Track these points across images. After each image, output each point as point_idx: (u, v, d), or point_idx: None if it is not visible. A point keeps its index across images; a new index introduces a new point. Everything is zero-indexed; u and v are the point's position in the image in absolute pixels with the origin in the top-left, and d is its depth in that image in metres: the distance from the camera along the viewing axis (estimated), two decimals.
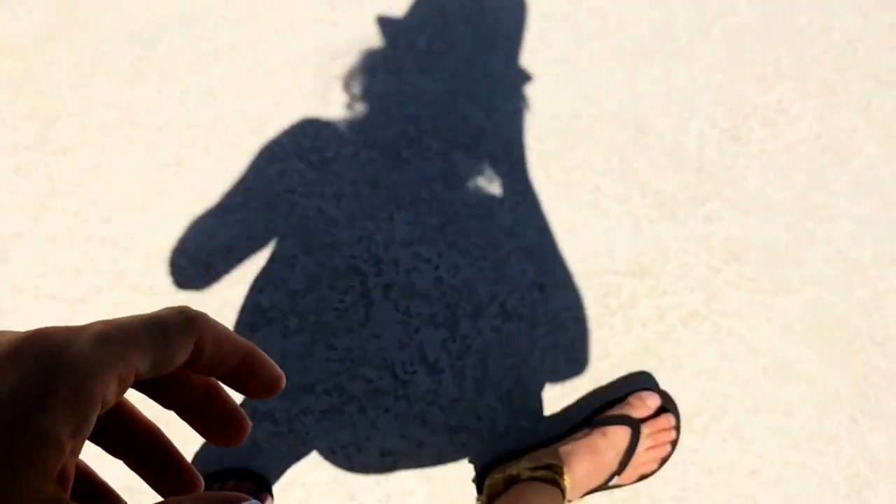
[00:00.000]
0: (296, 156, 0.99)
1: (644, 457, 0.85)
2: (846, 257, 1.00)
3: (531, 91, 1.04)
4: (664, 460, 0.87)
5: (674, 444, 0.87)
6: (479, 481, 0.87)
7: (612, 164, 1.01)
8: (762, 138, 1.04)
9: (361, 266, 0.96)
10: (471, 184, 0.99)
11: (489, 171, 1.00)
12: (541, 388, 0.92)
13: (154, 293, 0.94)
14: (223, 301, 0.94)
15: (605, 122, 1.03)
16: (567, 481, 0.74)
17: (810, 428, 0.94)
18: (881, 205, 1.03)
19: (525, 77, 1.04)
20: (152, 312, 0.20)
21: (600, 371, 0.94)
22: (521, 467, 0.76)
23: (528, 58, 1.05)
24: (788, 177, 1.02)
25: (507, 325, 0.95)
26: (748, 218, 1.00)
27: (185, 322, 0.19)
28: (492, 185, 0.99)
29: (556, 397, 0.92)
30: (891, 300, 0.99)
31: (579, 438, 0.82)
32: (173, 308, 0.20)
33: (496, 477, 0.78)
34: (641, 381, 0.94)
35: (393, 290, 0.95)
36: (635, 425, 0.84)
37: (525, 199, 0.99)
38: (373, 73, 1.04)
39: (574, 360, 0.94)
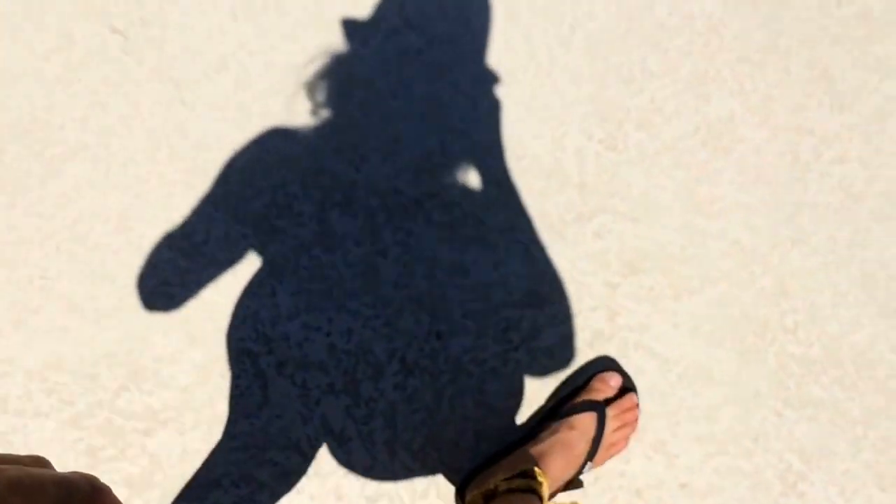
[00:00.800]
0: (165, 246, 0.95)
1: (613, 437, 0.86)
2: (743, 248, 0.98)
3: (396, 134, 1.02)
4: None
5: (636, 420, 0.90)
6: (460, 493, 0.86)
7: (491, 195, 0.99)
8: (640, 142, 1.02)
9: (251, 347, 0.92)
10: (350, 242, 0.96)
11: (367, 226, 0.97)
12: (454, 438, 0.89)
13: (39, 415, 0.90)
14: (113, 410, 0.90)
15: (470, 153, 1.00)
16: (543, 484, 0.73)
17: (735, 429, 0.91)
18: (770, 189, 1.01)
19: (387, 120, 1.02)
20: (64, 473, 0.22)
21: (511, 408, 0.91)
22: (497, 480, 0.76)
23: (388, 100, 1.03)
24: (672, 177, 1.00)
25: (409, 380, 0.92)
26: (638, 226, 0.98)
27: (92, 491, 0.22)
28: (371, 240, 0.96)
29: (471, 444, 0.89)
30: (795, 284, 0.97)
31: (549, 435, 0.83)
32: (84, 475, 0.23)
33: (475, 493, 0.79)
34: (603, 364, 0.92)
35: (287, 366, 0.92)
36: (600, 409, 0.85)
37: (408, 248, 0.96)
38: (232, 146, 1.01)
39: (483, 402, 0.91)
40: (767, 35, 1.04)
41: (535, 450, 0.81)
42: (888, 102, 1.04)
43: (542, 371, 0.93)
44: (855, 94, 1.04)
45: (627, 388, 0.91)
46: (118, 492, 0.88)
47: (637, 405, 0.90)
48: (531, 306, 0.94)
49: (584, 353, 0.93)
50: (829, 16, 1.04)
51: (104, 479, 0.89)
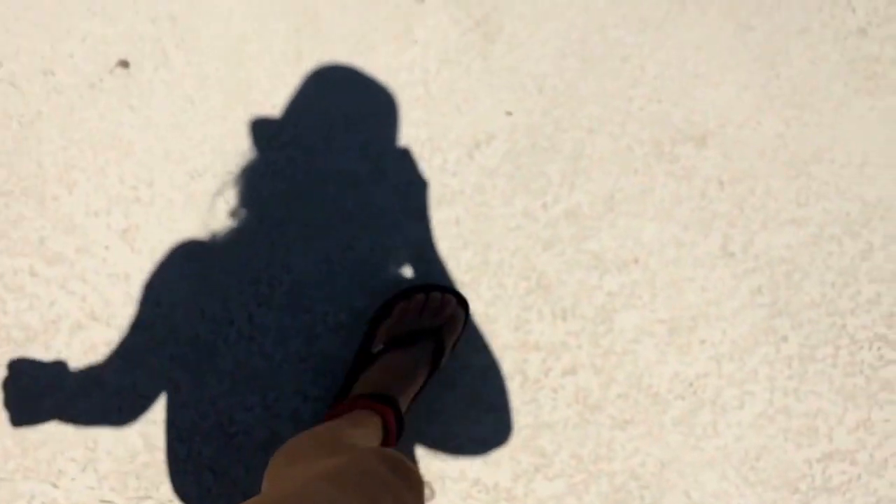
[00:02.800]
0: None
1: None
2: (486, 487, 0.92)
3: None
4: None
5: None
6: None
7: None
8: None
9: None
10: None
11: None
12: None
13: None
14: None
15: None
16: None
17: None
18: (499, 416, 0.96)
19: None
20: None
21: None
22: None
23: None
24: None
25: None
26: None
27: None
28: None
29: None
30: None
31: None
32: None
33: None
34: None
35: None
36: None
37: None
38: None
39: None
40: (476, 252, 1.02)
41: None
42: (611, 299, 1.01)
43: None
44: (575, 298, 1.01)
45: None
46: None
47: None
48: None
49: None
50: (536, 220, 1.03)
51: None
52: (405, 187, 1.03)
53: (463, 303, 0.96)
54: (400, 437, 0.81)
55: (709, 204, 1.05)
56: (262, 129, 1.03)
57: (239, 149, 1.02)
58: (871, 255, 1.04)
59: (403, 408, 0.82)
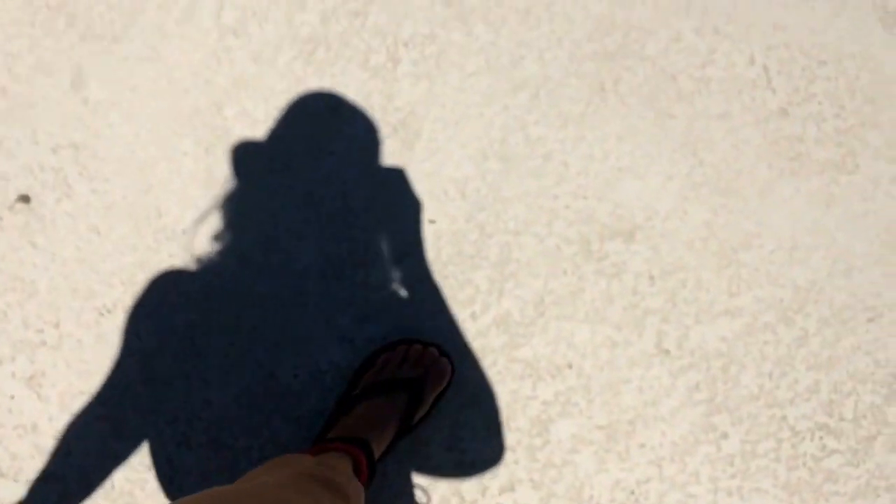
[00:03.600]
0: None
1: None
2: None
3: None
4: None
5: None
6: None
7: None
8: None
9: None
10: None
11: None
12: None
13: None
14: None
15: None
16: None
17: None
18: None
19: None
20: None
21: None
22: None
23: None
24: None
25: None
26: None
27: None
28: None
29: None
30: None
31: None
32: None
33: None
34: None
35: None
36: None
37: None
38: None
39: None
40: None
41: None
42: (546, 408, 0.99)
43: None
44: (510, 410, 0.98)
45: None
46: None
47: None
48: None
49: None
50: (465, 331, 1.00)
51: None
52: (327, 307, 0.99)
53: (448, 357, 0.97)
54: (371, 480, 0.81)
55: (641, 301, 1.03)
56: (173, 257, 0.99)
57: (150, 279, 0.98)
58: (806, 342, 1.02)
59: (377, 453, 0.85)
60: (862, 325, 1.03)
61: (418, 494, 0.93)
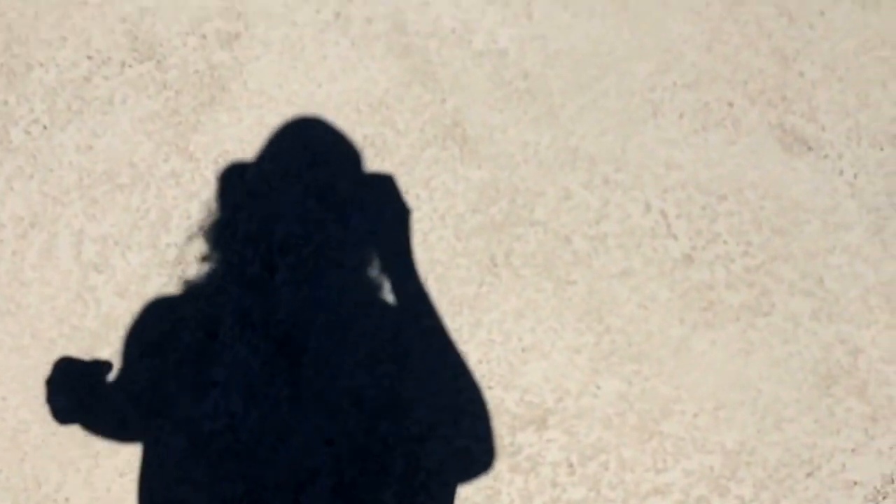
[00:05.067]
0: None
1: None
2: None
3: None
4: None
5: None
6: None
7: None
8: None
9: None
10: None
11: None
12: None
13: None
14: None
15: None
16: None
17: None
18: None
19: None
20: None
21: None
22: None
23: None
24: None
25: None
26: None
27: None
28: None
29: None
30: None
31: None
32: None
33: None
34: None
35: None
36: None
37: None
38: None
39: None
40: None
41: None
42: None
43: None
44: None
45: None
46: None
47: None
48: None
49: None
50: None
51: None
52: None
53: None
54: None
55: (562, 494, 0.96)
56: None
57: None
58: None
59: None
60: (801, 483, 0.96)
61: None
